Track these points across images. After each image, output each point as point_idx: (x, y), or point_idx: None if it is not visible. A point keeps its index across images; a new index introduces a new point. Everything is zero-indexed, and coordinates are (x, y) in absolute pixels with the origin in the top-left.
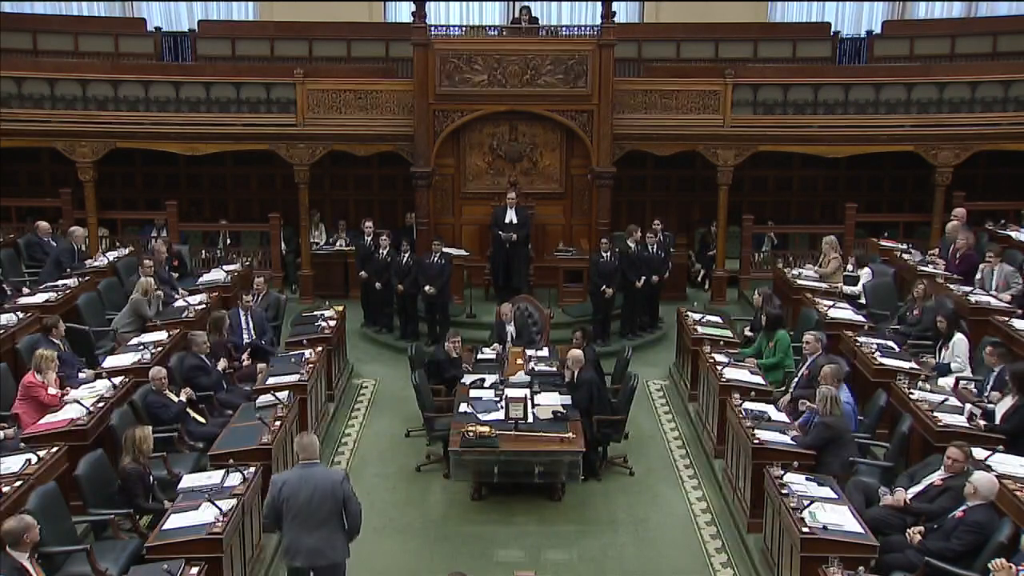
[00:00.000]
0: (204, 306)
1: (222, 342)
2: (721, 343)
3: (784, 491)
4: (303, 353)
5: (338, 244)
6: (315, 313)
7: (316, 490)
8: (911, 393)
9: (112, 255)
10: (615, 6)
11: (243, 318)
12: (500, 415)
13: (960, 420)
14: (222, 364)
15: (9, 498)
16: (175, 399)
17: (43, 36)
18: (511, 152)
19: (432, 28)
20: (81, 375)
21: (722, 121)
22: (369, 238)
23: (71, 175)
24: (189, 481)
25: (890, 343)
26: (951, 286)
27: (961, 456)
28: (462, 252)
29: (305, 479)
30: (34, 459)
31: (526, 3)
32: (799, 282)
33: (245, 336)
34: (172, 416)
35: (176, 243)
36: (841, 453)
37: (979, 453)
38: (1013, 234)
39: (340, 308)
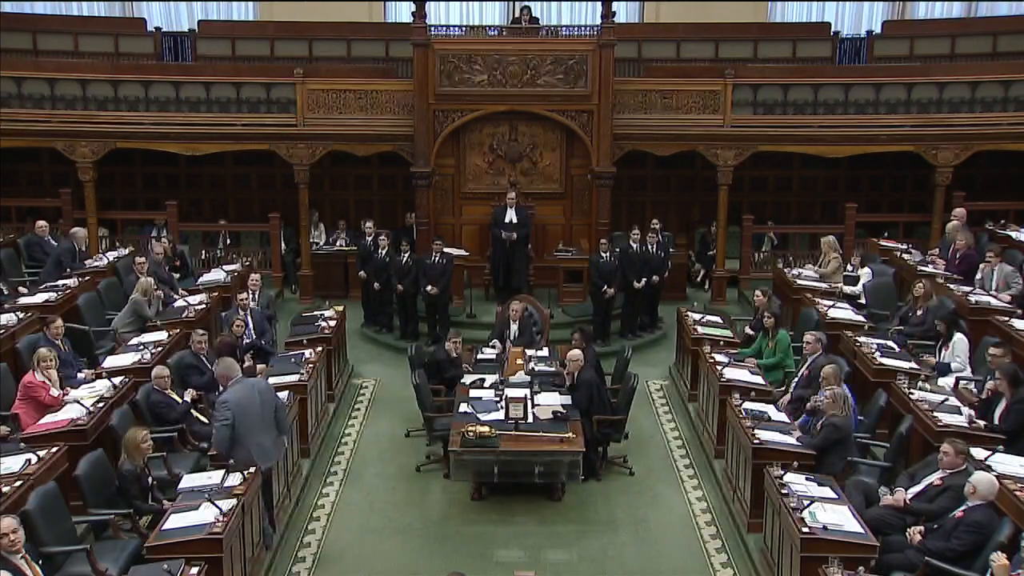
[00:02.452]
0: (204, 306)
1: (229, 342)
2: (721, 343)
3: (784, 491)
4: (303, 353)
5: (338, 244)
6: (315, 313)
7: (262, 395)
8: (911, 393)
9: (112, 255)
10: (615, 6)
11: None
12: (500, 415)
13: (960, 420)
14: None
15: (9, 498)
16: (178, 399)
17: (43, 36)
18: (511, 152)
19: (432, 28)
20: (81, 375)
21: (722, 121)
22: (369, 238)
23: (71, 175)
24: (189, 481)
25: (890, 343)
26: (951, 286)
27: (953, 451)
28: (462, 252)
29: (248, 392)
30: (34, 459)
31: (526, 3)
32: (799, 282)
33: (245, 337)
34: (177, 416)
35: (177, 243)
36: (844, 454)
37: (979, 453)
38: (1013, 234)
39: (340, 308)
